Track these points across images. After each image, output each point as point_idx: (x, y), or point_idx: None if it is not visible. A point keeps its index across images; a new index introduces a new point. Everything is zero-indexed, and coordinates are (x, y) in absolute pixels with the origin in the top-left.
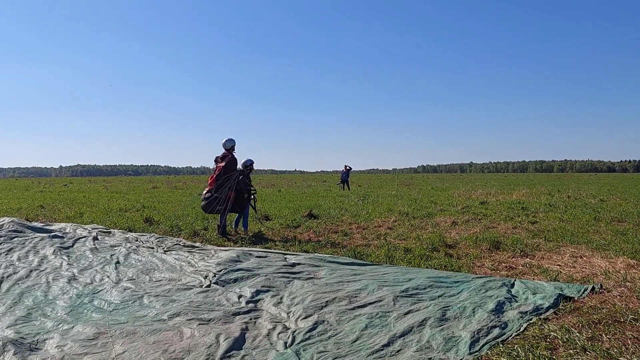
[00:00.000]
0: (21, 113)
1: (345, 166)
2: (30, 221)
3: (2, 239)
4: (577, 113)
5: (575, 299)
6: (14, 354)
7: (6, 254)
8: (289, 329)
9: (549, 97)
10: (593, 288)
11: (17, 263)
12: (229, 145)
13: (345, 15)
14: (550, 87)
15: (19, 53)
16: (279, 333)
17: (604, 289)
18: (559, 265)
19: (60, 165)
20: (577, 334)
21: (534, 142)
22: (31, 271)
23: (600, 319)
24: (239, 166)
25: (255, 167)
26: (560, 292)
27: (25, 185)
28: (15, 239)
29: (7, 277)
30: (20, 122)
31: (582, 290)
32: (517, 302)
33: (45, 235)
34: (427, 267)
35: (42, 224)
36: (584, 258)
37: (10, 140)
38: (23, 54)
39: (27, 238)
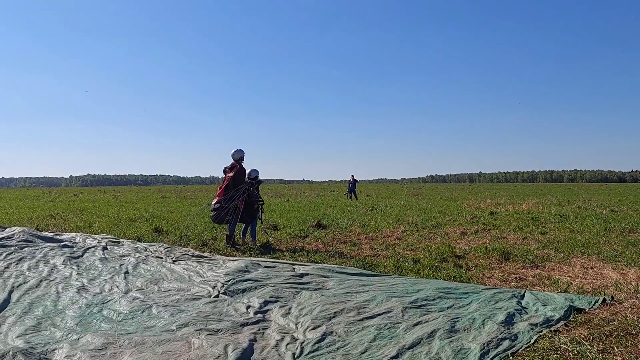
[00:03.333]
0: (32, 123)
1: (352, 176)
2: (40, 231)
3: (12, 248)
4: (587, 122)
5: (586, 310)
6: None
7: (17, 264)
8: (297, 339)
9: (559, 106)
10: (604, 300)
11: (27, 273)
12: (238, 156)
13: (352, 23)
14: (560, 96)
15: (28, 64)
16: (287, 344)
17: (615, 301)
18: (569, 276)
19: (71, 175)
20: (588, 347)
21: (543, 152)
22: (41, 281)
23: (611, 331)
24: (246, 177)
25: (263, 177)
26: (571, 304)
27: (36, 195)
28: (26, 248)
29: (17, 286)
30: (30, 133)
31: (593, 302)
32: (527, 313)
33: (55, 245)
34: (436, 278)
35: (52, 234)
36: (595, 269)
37: (21, 150)
38: (32, 65)
39: (37, 248)
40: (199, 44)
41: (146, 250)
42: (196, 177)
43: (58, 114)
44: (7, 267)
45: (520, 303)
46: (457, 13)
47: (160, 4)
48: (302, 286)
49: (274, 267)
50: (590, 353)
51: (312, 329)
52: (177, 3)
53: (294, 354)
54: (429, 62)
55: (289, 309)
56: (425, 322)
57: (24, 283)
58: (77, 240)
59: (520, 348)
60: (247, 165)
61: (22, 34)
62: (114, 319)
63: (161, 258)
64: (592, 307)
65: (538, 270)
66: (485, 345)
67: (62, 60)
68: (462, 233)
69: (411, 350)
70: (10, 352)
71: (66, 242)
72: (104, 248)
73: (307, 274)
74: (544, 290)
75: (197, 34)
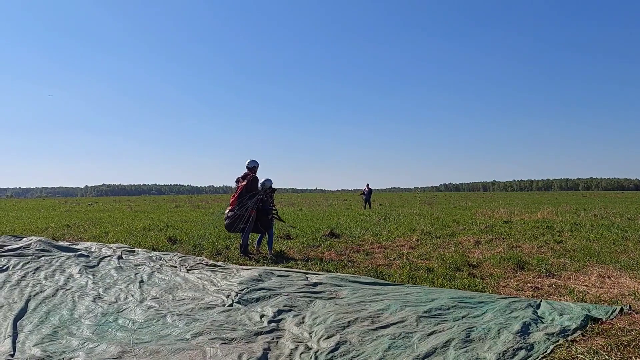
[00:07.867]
0: (48, 135)
1: (367, 185)
2: (56, 240)
3: (29, 257)
4: (603, 129)
5: (603, 320)
6: None
7: (33, 273)
8: (311, 349)
9: (573, 113)
10: (622, 309)
11: (44, 282)
12: (252, 166)
13: (364, 31)
14: (575, 103)
15: (44, 80)
16: (301, 353)
17: (633, 310)
18: (586, 285)
19: (86, 185)
20: (606, 357)
21: (558, 160)
22: (57, 290)
23: (629, 341)
24: (259, 186)
25: (276, 186)
26: (588, 313)
27: (52, 205)
28: (43, 258)
29: (34, 295)
30: (47, 144)
31: (611, 312)
32: (543, 323)
33: (71, 254)
34: (450, 287)
35: (69, 243)
36: (612, 278)
37: (38, 161)
38: (47, 80)
39: (53, 257)
40: (210, 56)
41: (161, 259)
42: (210, 186)
43: (73, 125)
44: (24, 277)
45: (536, 312)
46: (469, 20)
47: (174, 23)
48: (315, 295)
49: (288, 276)
50: None
51: (326, 338)
52: (190, 21)
53: None
54: (441, 70)
55: (303, 318)
56: (439, 332)
57: (41, 292)
58: (92, 250)
59: (537, 358)
60: (260, 175)
61: (36, 52)
62: (129, 327)
63: (175, 267)
64: (609, 316)
65: (554, 280)
66: (501, 355)
67: (76, 75)
68: (477, 242)
69: None
70: None
71: (82, 252)
72: (119, 257)
73: (321, 283)
74: (560, 300)
75: (208, 48)
